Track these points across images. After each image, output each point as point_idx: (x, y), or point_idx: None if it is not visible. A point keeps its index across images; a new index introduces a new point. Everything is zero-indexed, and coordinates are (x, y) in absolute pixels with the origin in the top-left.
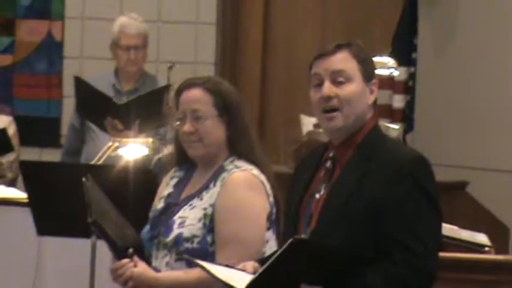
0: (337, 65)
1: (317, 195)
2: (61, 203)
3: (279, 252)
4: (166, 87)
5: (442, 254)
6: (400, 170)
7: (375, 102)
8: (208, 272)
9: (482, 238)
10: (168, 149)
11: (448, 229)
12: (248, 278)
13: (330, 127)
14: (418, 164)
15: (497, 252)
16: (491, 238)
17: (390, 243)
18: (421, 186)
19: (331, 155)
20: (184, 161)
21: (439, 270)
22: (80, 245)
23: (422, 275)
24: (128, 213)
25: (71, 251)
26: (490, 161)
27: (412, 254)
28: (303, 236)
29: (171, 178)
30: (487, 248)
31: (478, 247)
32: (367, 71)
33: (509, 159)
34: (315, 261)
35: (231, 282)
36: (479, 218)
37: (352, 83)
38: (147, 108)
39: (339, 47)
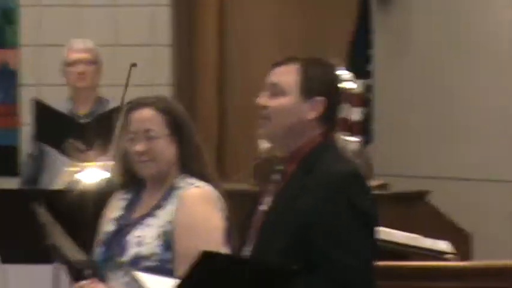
0: (274, 77)
1: (262, 208)
2: (21, 229)
3: (190, 267)
4: (119, 108)
5: (405, 263)
6: (331, 186)
7: (331, 118)
8: (138, 281)
9: (444, 245)
10: None
11: (410, 238)
12: None
13: (260, 134)
14: (350, 181)
15: (460, 260)
16: (454, 246)
17: (319, 257)
18: (352, 203)
19: (279, 168)
20: (131, 183)
21: (404, 279)
22: (43, 271)
23: None
24: (86, 236)
25: (35, 278)
26: (450, 170)
27: (338, 268)
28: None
29: (118, 200)
30: (450, 255)
31: (441, 254)
32: (310, 87)
33: (469, 167)
34: (235, 275)
35: None
36: (441, 227)
37: (285, 97)
38: (107, 127)
39: (289, 60)
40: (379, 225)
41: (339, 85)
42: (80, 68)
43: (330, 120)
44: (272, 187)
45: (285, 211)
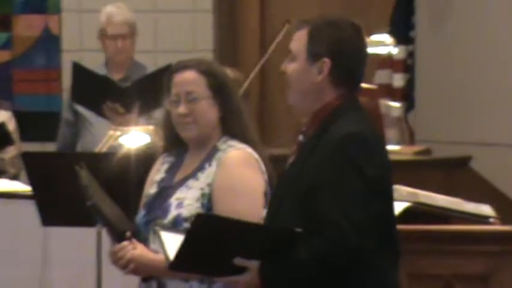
0: (290, 43)
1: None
2: (64, 192)
3: (188, 229)
4: (168, 67)
5: (447, 227)
6: (332, 147)
7: (346, 79)
8: (160, 239)
9: (487, 209)
10: None
11: (452, 202)
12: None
13: (287, 100)
14: (349, 141)
15: (503, 224)
16: (496, 211)
17: (320, 219)
18: (353, 162)
19: (303, 129)
20: (174, 146)
21: (445, 242)
22: (85, 234)
23: (346, 250)
24: (131, 200)
25: (77, 241)
26: (493, 136)
27: (337, 229)
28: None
29: (162, 164)
30: (492, 219)
31: (483, 218)
32: (315, 50)
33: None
34: (233, 235)
35: (169, 252)
36: (483, 193)
37: (295, 62)
38: (148, 89)
39: (301, 24)
40: (391, 192)
41: (350, 43)
42: (120, 43)
43: (344, 80)
44: (295, 148)
45: (295, 173)
